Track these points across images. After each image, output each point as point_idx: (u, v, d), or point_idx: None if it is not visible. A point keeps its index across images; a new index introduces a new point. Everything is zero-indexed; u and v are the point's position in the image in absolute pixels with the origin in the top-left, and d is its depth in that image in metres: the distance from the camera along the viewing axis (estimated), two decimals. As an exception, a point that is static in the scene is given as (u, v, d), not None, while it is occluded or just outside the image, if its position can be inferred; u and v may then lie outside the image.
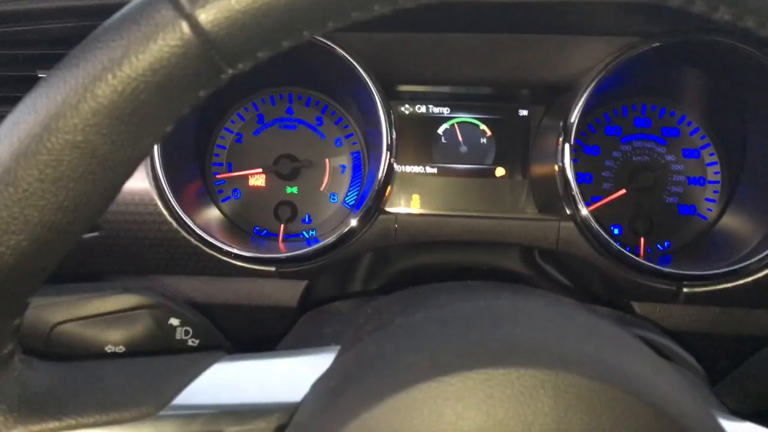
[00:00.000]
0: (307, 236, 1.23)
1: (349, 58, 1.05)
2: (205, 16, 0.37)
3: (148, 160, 1.02)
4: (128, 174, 0.41)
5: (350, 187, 1.24)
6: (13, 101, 0.39)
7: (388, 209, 1.10)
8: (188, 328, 0.72)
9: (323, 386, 0.48)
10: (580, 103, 1.03)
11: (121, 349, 0.69)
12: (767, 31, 0.38)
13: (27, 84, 0.40)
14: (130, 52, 0.37)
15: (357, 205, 1.12)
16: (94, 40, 0.38)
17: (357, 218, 1.05)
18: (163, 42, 0.37)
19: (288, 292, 1.07)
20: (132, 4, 0.38)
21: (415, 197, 1.24)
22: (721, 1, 0.38)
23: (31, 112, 0.38)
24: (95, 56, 0.38)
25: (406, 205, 1.24)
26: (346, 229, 1.05)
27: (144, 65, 0.37)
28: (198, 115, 1.16)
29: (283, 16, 0.38)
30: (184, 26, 0.37)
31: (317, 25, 0.39)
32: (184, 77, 0.38)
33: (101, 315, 0.69)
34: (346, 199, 1.24)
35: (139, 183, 1.01)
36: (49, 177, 0.39)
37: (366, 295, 1.21)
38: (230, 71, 0.40)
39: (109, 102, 0.38)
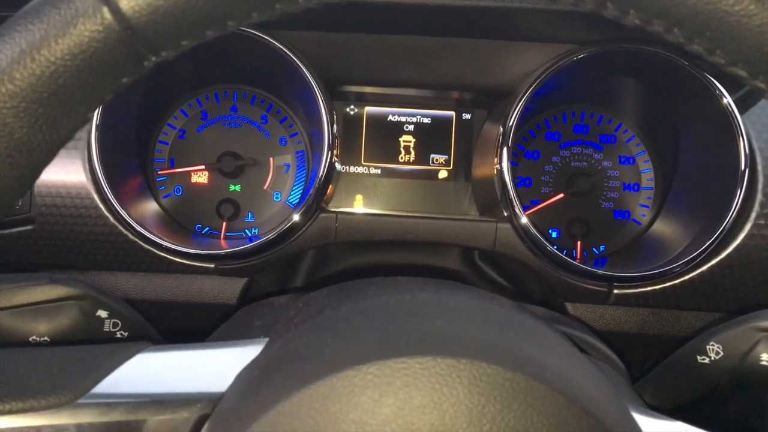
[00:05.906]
0: (249, 234, 1.23)
1: (292, 57, 1.05)
2: (126, 2, 0.37)
3: (85, 152, 1.00)
4: (48, 158, 0.41)
5: (294, 186, 1.24)
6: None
7: (330, 208, 1.11)
8: (117, 321, 0.71)
9: (247, 376, 0.48)
10: (518, 107, 1.06)
11: (46, 340, 0.68)
12: (674, 36, 0.40)
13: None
14: (49, 36, 0.37)
15: (299, 204, 1.12)
16: (13, 23, 0.38)
17: (297, 216, 1.06)
18: (83, 27, 0.37)
19: (227, 289, 1.07)
20: (52, -13, 0.38)
21: (359, 197, 1.25)
22: (630, 4, 0.39)
23: None
24: (14, 39, 0.37)
25: (350, 204, 1.25)
26: (286, 226, 1.05)
27: (63, 49, 0.37)
28: (140, 110, 1.14)
29: (207, 6, 0.38)
30: (105, 12, 0.37)
31: (241, 16, 0.39)
32: (105, 63, 0.38)
33: (26, 305, 0.67)
34: (290, 198, 1.24)
35: (73, 176, 0.99)
36: None
37: (305, 290, 1.21)
38: (153, 59, 0.40)
39: (27, 85, 0.37)
